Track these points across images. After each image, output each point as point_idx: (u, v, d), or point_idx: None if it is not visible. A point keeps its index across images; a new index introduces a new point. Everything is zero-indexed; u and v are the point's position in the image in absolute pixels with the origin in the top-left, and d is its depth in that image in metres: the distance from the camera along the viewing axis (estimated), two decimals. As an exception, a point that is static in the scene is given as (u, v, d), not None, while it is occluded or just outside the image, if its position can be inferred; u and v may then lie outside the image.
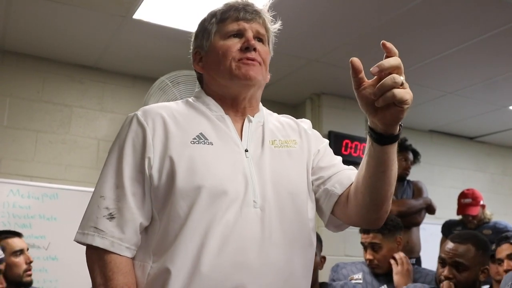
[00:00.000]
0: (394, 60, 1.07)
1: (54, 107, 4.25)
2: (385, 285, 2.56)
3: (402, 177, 4.14)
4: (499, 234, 4.16)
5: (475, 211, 4.23)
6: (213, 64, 1.37)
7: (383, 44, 1.10)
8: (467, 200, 4.29)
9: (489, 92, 4.74)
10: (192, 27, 3.80)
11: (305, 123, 1.51)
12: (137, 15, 3.50)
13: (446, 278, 2.29)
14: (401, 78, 1.05)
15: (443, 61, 4.10)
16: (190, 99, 1.42)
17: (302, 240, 1.31)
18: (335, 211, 1.36)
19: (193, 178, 1.22)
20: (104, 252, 1.21)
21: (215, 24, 1.39)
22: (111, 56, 4.19)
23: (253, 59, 1.34)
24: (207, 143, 1.28)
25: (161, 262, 1.20)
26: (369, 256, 2.78)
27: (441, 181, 5.88)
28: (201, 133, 1.30)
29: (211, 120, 1.34)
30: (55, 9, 3.44)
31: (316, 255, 2.17)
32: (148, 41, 3.91)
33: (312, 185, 1.40)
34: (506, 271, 2.85)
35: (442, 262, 2.34)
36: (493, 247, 3.88)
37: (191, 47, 1.46)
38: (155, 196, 1.25)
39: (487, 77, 4.41)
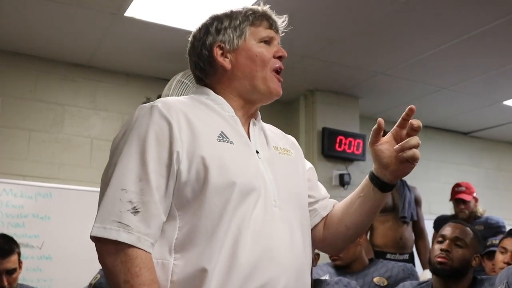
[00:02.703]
0: (420, 123, 1.32)
1: (47, 105, 4.23)
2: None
3: None
4: (491, 229, 4.19)
5: (468, 197, 4.25)
6: (246, 65, 1.40)
7: (410, 109, 1.33)
8: (461, 188, 4.33)
9: (484, 87, 4.75)
10: (183, 23, 3.80)
11: (291, 137, 1.61)
12: (128, 13, 3.48)
13: (444, 250, 2.42)
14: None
15: (437, 56, 4.10)
16: (196, 96, 1.43)
17: (309, 237, 1.41)
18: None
19: (226, 176, 1.23)
20: (129, 247, 1.16)
21: (249, 26, 1.43)
22: (104, 54, 4.17)
23: (281, 69, 1.45)
24: (229, 142, 1.30)
25: (192, 260, 1.19)
26: None
27: (436, 176, 5.89)
28: (222, 132, 1.31)
29: (226, 119, 1.36)
30: (47, 7, 3.43)
31: None
32: (140, 38, 3.90)
33: None
34: (507, 263, 2.85)
35: (441, 238, 2.49)
36: (488, 242, 3.90)
37: (206, 40, 1.44)
38: (179, 192, 1.23)
39: (482, 72, 4.41)
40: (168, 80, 3.95)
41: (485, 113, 5.48)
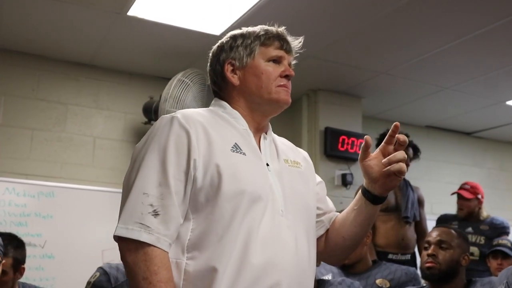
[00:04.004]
0: (406, 138, 1.41)
1: (49, 104, 4.23)
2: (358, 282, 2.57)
3: None
4: (496, 230, 4.21)
5: (467, 195, 4.25)
6: (253, 81, 1.49)
7: (395, 126, 1.40)
8: (465, 186, 4.36)
9: (486, 87, 4.74)
10: (187, 23, 3.81)
11: (304, 152, 1.69)
12: (131, 12, 3.48)
13: (430, 255, 2.48)
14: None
15: (439, 56, 4.09)
16: (214, 109, 1.52)
17: (314, 246, 1.49)
18: None
19: (237, 184, 1.33)
20: (149, 246, 1.26)
21: (259, 45, 1.51)
22: (107, 53, 4.17)
23: (287, 86, 1.51)
24: (241, 153, 1.40)
25: (203, 260, 1.28)
26: None
27: (438, 176, 5.88)
28: (236, 143, 1.41)
29: (240, 132, 1.46)
30: (49, 6, 3.43)
31: None
32: (143, 38, 3.90)
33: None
34: None
35: (427, 245, 2.55)
36: (494, 242, 3.90)
37: (220, 56, 1.53)
38: (194, 196, 1.33)
39: (484, 72, 4.41)
40: (171, 79, 3.97)
41: (488, 113, 5.46)
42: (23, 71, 4.19)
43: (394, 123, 1.40)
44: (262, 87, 1.47)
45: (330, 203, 1.65)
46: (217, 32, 3.73)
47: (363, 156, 1.44)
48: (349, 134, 4.79)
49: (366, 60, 4.23)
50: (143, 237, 1.26)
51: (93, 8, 3.44)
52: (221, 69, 1.52)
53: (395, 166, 1.37)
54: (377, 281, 2.77)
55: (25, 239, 3.08)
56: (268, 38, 1.51)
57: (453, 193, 4.41)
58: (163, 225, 1.28)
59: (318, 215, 1.56)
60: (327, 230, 1.58)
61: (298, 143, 4.79)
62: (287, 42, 1.54)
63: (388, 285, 2.77)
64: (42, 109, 4.20)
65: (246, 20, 3.50)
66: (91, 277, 2.38)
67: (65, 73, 4.33)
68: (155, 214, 1.28)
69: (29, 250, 3.42)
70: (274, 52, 1.51)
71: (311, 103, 4.87)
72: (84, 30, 3.77)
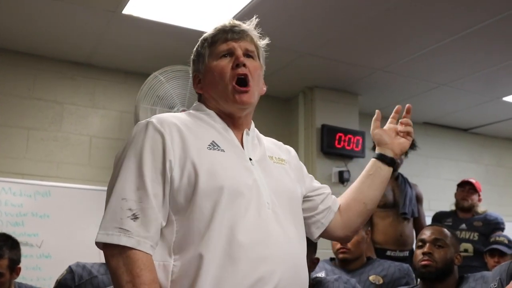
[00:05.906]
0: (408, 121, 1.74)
1: (45, 104, 4.22)
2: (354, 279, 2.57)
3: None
4: (490, 226, 4.22)
5: (477, 187, 4.30)
6: (210, 84, 1.51)
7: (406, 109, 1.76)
8: (471, 179, 4.43)
9: (483, 83, 4.74)
10: (182, 21, 3.79)
11: (291, 149, 1.73)
12: (126, 10, 3.47)
13: (426, 254, 2.46)
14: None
15: (436, 52, 4.09)
16: (192, 111, 1.54)
17: (303, 237, 1.50)
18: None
19: (215, 180, 1.33)
20: (130, 250, 1.26)
21: (207, 48, 1.52)
22: (102, 52, 4.16)
23: (244, 75, 1.47)
24: (220, 149, 1.41)
25: (186, 256, 1.28)
26: None
27: (436, 173, 5.89)
28: (213, 141, 1.42)
29: (218, 130, 1.47)
30: (45, 5, 3.42)
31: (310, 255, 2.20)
32: (138, 36, 3.89)
33: (311, 199, 1.65)
34: None
35: (421, 243, 2.53)
36: (491, 239, 3.90)
37: (190, 72, 1.61)
38: (173, 197, 1.34)
39: (481, 68, 4.41)
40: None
41: (485, 110, 5.47)
42: (19, 70, 4.17)
43: (396, 107, 1.72)
44: (218, 88, 1.48)
45: (327, 189, 1.71)
46: (213, 30, 3.71)
47: (374, 127, 1.73)
48: (346, 131, 4.78)
49: (363, 57, 4.23)
50: (123, 241, 1.26)
51: (88, 6, 3.43)
52: (192, 81, 1.59)
53: (408, 128, 1.70)
54: (370, 278, 2.78)
55: (21, 239, 3.07)
56: (213, 37, 1.52)
57: (461, 182, 4.42)
58: (142, 228, 1.28)
59: (322, 200, 1.65)
60: (339, 209, 1.67)
61: (294, 141, 4.79)
62: (232, 31, 1.51)
63: (381, 281, 2.77)
64: (38, 109, 4.19)
65: (242, 17, 3.45)
66: (59, 275, 2.39)
67: (61, 72, 4.32)
68: (134, 217, 1.29)
69: (25, 250, 3.43)
70: (221, 47, 1.50)
71: (307, 100, 4.86)
72: (79, 29, 3.76)
